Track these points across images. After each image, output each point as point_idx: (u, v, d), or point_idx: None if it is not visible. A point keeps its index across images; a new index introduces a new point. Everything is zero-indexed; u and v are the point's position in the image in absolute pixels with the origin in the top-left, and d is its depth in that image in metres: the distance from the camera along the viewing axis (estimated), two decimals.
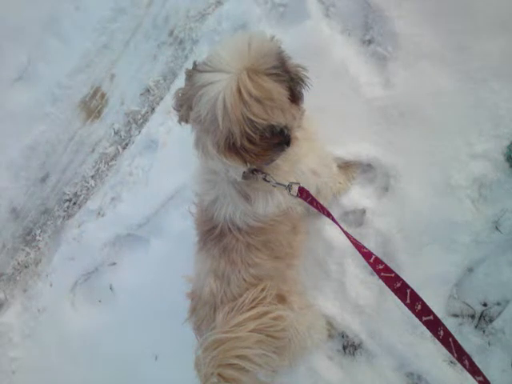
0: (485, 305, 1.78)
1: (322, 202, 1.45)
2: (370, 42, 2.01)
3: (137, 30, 2.66)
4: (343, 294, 1.93)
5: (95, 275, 2.54)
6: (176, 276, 1.76)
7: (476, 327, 1.78)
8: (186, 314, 1.62)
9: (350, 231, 1.53)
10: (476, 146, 1.76)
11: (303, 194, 1.42)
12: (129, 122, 2.64)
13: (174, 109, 1.35)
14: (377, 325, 1.87)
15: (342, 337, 1.96)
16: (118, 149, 2.65)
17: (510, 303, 1.73)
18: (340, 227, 1.38)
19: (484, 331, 1.76)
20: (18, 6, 2.82)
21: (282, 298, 1.53)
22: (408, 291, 1.15)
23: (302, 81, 1.24)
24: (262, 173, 1.36)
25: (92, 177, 2.70)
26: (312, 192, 1.50)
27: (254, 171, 1.34)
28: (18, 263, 2.82)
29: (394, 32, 1.90)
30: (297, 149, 1.41)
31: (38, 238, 2.79)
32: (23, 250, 2.82)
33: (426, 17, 1.85)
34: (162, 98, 2.53)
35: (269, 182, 1.35)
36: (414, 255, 1.82)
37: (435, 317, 1.11)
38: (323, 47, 2.02)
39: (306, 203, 1.46)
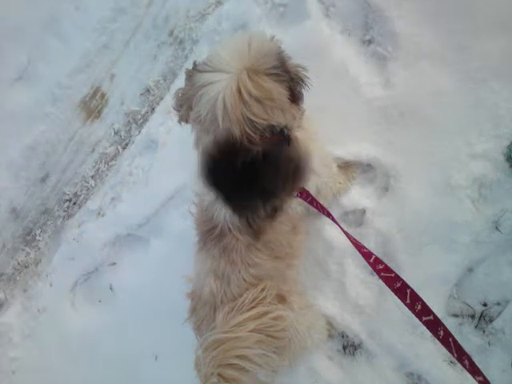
0: (485, 305, 1.78)
1: (322, 202, 1.45)
2: (370, 41, 2.01)
3: (137, 30, 2.65)
4: (343, 293, 1.93)
5: (95, 275, 2.54)
6: (176, 276, 1.75)
7: (476, 327, 1.78)
8: (186, 314, 1.61)
9: (350, 231, 1.53)
10: (476, 146, 1.76)
11: (303, 194, 1.42)
12: (129, 122, 2.64)
13: (174, 109, 1.35)
14: (377, 325, 1.87)
15: (342, 337, 1.96)
16: (118, 149, 2.65)
17: (510, 303, 1.72)
18: (340, 227, 1.39)
19: (484, 331, 1.76)
20: (18, 6, 2.82)
21: (281, 298, 1.52)
22: (408, 291, 1.15)
23: (302, 81, 1.24)
24: None
25: (92, 177, 2.70)
26: (312, 192, 1.50)
27: None
28: (18, 263, 2.82)
29: (394, 32, 1.90)
30: None
31: (38, 237, 2.79)
32: (23, 249, 2.82)
33: (426, 17, 1.85)
34: (162, 98, 2.53)
35: None
36: (414, 255, 1.82)
37: (435, 317, 1.11)
38: (323, 47, 2.02)
39: (305, 203, 1.46)
